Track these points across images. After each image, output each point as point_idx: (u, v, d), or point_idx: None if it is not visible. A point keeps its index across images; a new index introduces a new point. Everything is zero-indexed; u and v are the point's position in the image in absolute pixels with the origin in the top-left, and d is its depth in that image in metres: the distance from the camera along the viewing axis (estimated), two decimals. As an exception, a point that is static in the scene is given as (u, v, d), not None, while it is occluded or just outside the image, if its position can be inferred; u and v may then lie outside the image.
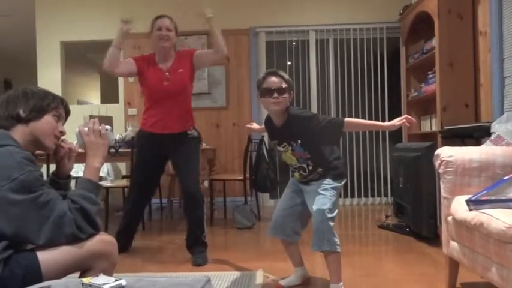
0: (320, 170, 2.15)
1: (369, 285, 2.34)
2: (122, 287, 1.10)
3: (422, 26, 4.51)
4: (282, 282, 2.33)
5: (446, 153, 2.11)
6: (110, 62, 2.80)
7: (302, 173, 2.20)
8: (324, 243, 2.02)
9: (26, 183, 1.26)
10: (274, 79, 2.11)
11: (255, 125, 2.61)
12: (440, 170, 2.13)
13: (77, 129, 1.52)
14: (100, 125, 1.53)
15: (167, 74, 2.85)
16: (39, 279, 1.24)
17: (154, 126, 2.89)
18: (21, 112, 1.40)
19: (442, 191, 2.14)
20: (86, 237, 1.35)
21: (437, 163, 2.15)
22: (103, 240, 1.40)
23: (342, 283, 2.11)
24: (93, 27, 5.36)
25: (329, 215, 2.03)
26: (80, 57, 7.15)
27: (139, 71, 2.90)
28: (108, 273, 1.29)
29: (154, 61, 2.91)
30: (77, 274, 1.38)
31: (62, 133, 1.52)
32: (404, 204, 3.53)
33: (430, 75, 4.31)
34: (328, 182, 2.11)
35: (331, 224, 2.04)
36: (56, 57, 5.51)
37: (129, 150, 3.72)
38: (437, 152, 2.18)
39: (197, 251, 2.85)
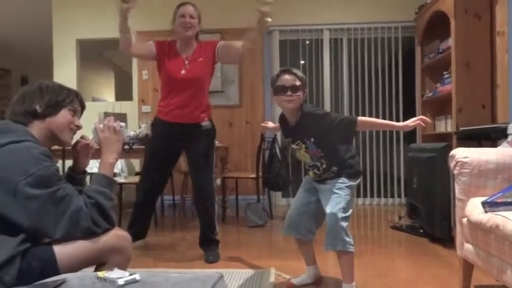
0: (334, 168, 2.13)
1: (381, 286, 2.32)
2: (136, 281, 1.12)
3: (437, 25, 4.46)
4: (294, 281, 2.33)
5: (462, 154, 2.08)
6: (122, 44, 2.75)
7: (316, 171, 2.20)
8: (338, 243, 2.01)
9: (43, 178, 1.28)
10: (287, 77, 2.11)
11: (270, 124, 2.61)
12: (455, 171, 2.10)
13: (93, 126, 1.54)
14: (115, 122, 1.55)
15: (186, 62, 2.81)
16: (55, 272, 1.26)
17: (169, 115, 2.84)
18: (37, 108, 1.42)
19: (457, 192, 2.11)
20: (101, 232, 1.37)
21: (452, 164, 2.13)
22: (118, 235, 1.42)
23: (354, 283, 2.10)
24: (109, 25, 5.41)
25: (343, 215, 2.02)
26: (95, 54, 7.24)
27: (158, 56, 2.86)
28: (123, 267, 1.31)
29: (175, 48, 2.86)
30: (92, 268, 1.40)
31: (78, 127, 1.53)
32: (418, 205, 3.50)
33: (446, 76, 4.26)
34: (343, 181, 2.11)
35: (345, 223, 2.03)
36: (72, 54, 5.59)
37: (142, 147, 3.76)
38: (453, 152, 2.15)
39: (209, 248, 2.87)
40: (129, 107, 5.40)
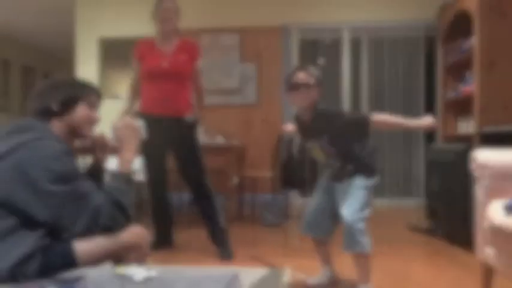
0: (350, 167, 2.10)
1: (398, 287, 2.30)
2: (153, 278, 1.14)
3: (460, 24, 4.36)
4: (310, 281, 2.33)
5: (484, 156, 2.04)
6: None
7: (331, 170, 2.18)
8: (354, 245, 2.00)
9: (64, 175, 1.30)
10: (301, 75, 2.10)
11: (289, 126, 2.60)
12: (477, 174, 2.06)
13: (112, 125, 1.57)
14: (133, 120, 1.57)
15: (167, 56, 2.85)
16: (74, 267, 1.29)
17: (154, 107, 2.83)
18: (53, 106, 1.43)
19: (478, 195, 2.07)
20: (120, 229, 1.39)
21: (473, 166, 2.08)
22: (135, 232, 1.44)
23: (370, 284, 2.08)
24: (132, 23, 5.49)
25: (360, 216, 2.00)
26: (118, 52, 7.33)
27: (140, 56, 2.91)
28: (140, 264, 1.34)
29: (155, 44, 2.91)
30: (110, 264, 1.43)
31: (96, 120, 1.54)
32: (438, 207, 3.44)
33: (469, 75, 4.17)
34: (359, 181, 2.08)
35: (361, 224, 2.01)
36: (95, 52, 5.69)
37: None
38: (474, 154, 2.11)
39: (220, 242, 2.87)
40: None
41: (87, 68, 5.67)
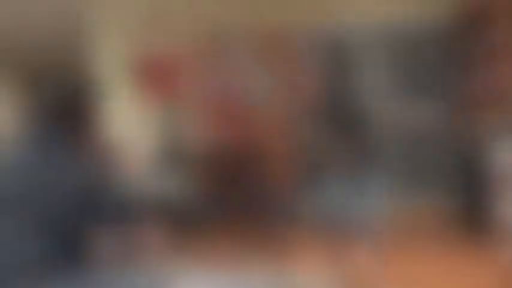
0: None
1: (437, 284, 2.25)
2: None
3: (485, 14, 4.24)
4: None
5: (508, 150, 1.97)
6: None
7: None
8: None
9: None
10: None
11: None
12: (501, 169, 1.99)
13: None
14: None
15: None
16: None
17: None
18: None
19: (504, 189, 1.99)
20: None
21: (497, 161, 2.01)
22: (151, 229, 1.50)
23: None
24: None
25: None
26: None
27: None
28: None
29: None
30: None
31: None
32: (458, 203, 3.36)
33: (498, 67, 4.03)
34: None
35: None
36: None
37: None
38: (497, 149, 2.04)
39: None
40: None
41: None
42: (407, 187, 4.94)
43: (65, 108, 1.50)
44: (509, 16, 3.54)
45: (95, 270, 1.21)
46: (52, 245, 1.28)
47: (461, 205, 3.56)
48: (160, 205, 3.90)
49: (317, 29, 5.07)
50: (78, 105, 1.52)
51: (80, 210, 1.31)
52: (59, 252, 1.29)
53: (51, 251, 1.25)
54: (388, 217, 3.65)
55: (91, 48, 5.67)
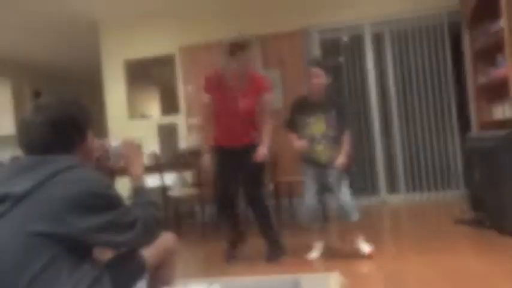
0: (339, 140, 2.84)
1: (454, 284, 2.23)
2: (217, 292, 1.14)
3: (486, 7, 4.25)
4: (309, 256, 2.90)
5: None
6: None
7: (325, 142, 2.81)
8: (353, 216, 2.81)
9: (117, 197, 1.31)
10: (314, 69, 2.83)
11: (299, 142, 2.90)
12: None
13: (112, 146, 1.57)
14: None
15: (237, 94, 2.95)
16: (142, 276, 1.41)
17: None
18: (74, 136, 1.31)
19: None
20: (154, 238, 1.41)
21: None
22: (172, 238, 1.57)
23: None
24: (153, 44, 5.61)
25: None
26: (141, 73, 7.50)
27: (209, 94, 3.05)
28: (176, 266, 1.55)
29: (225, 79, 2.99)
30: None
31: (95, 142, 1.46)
32: (483, 197, 3.33)
33: (500, 58, 4.05)
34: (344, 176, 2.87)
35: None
36: (121, 75, 5.82)
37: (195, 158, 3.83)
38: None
39: (273, 256, 3.00)
40: (175, 120, 5.55)
41: (115, 90, 5.82)
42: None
43: None
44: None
45: None
46: None
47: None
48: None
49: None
50: None
51: None
52: None
53: None
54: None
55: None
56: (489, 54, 4.34)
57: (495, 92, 4.41)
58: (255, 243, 3.14)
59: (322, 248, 2.96)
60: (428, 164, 5.11)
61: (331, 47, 5.35)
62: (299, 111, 2.92)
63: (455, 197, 4.93)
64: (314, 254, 2.92)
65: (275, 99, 5.37)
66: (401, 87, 5.18)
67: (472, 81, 4.69)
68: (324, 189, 2.97)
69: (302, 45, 5.28)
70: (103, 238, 1.22)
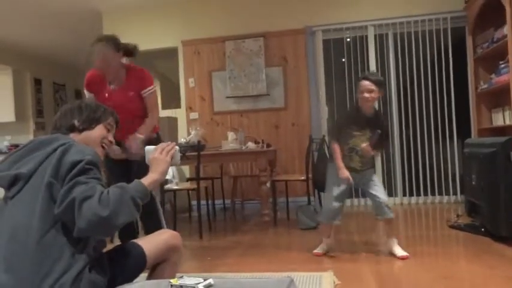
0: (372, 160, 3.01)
1: (449, 287, 2.25)
2: (212, 286, 1.15)
3: (490, 13, 4.26)
4: (316, 250, 2.98)
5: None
6: None
7: (361, 157, 2.89)
8: (389, 213, 2.93)
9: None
10: (365, 82, 2.81)
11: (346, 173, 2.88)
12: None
13: (146, 148, 1.58)
14: (172, 145, 1.56)
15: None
16: (143, 268, 1.44)
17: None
18: (75, 122, 1.51)
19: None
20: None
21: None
22: (175, 235, 1.56)
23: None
24: (156, 36, 5.60)
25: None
26: (143, 64, 7.49)
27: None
28: (179, 264, 1.56)
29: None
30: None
31: (111, 142, 1.60)
32: (479, 203, 3.34)
33: (502, 65, 4.06)
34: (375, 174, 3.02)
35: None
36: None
37: (194, 153, 3.84)
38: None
39: None
40: (177, 115, 5.55)
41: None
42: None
43: None
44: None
45: None
46: None
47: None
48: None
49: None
50: None
51: None
52: None
53: None
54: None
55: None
56: (491, 60, 4.36)
57: (496, 98, 4.43)
58: (248, 240, 3.15)
59: (329, 245, 3.03)
60: (427, 168, 5.12)
61: (333, 46, 5.35)
62: (351, 122, 2.91)
63: (451, 202, 4.95)
64: (319, 249, 3.01)
65: (277, 97, 5.38)
66: (402, 91, 5.18)
67: (473, 86, 4.70)
68: (351, 190, 3.17)
69: (305, 44, 5.29)
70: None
